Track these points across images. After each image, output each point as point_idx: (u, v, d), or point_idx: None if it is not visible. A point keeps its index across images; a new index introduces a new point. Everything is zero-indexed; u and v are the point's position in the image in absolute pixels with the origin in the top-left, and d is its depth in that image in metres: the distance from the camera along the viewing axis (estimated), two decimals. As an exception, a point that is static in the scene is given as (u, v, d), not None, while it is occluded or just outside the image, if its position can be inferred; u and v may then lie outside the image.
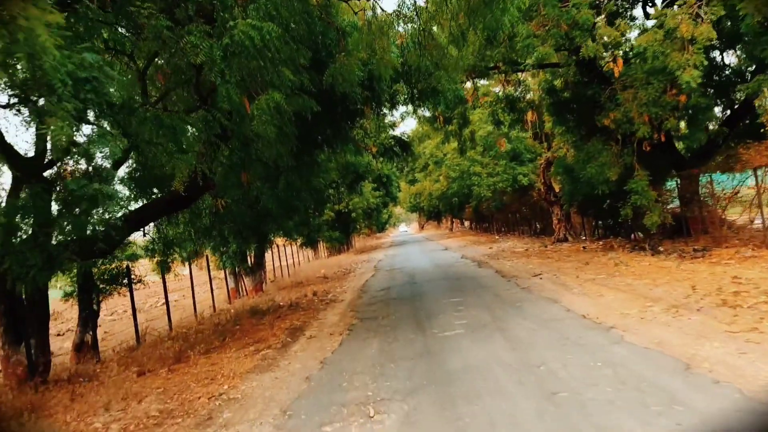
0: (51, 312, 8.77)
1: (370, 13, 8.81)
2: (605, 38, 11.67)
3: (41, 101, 5.62)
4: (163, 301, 22.33)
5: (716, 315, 6.78)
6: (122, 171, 10.36)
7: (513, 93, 19.36)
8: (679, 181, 16.17)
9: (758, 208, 13.28)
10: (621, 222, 19.81)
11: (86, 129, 7.40)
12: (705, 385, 4.55)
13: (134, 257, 11.72)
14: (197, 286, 18.45)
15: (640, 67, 12.26)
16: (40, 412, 6.06)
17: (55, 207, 7.69)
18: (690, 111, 13.13)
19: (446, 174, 32.66)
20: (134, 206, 9.66)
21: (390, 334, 8.39)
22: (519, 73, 18.00)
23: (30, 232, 7.37)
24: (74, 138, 6.50)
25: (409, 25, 8.94)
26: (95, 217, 7.46)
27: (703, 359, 5.20)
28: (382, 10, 8.96)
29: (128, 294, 11.12)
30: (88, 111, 5.58)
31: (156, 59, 8.04)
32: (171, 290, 22.27)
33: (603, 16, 11.90)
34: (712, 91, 14.41)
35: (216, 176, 9.66)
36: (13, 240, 7.14)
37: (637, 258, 13.20)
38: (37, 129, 7.27)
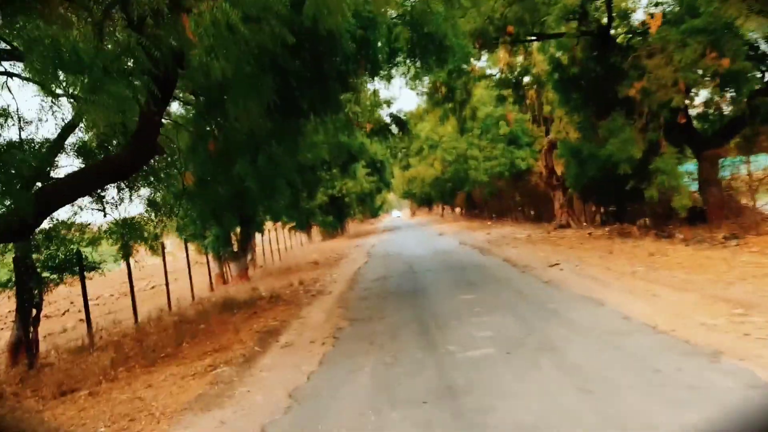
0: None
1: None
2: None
3: None
4: (140, 287, 20.95)
5: None
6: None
7: (518, 64, 17.95)
8: (698, 163, 14.84)
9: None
10: (628, 208, 18.64)
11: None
12: None
13: (93, 241, 10.24)
14: (181, 272, 16.92)
15: (676, 28, 10.73)
16: None
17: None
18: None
19: (442, 158, 31.42)
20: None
21: (388, 349, 6.41)
22: (527, 44, 16.62)
23: None
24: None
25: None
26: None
27: None
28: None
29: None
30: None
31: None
32: (153, 276, 20.69)
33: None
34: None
35: (179, 143, 8.02)
36: None
37: (667, 246, 11.70)
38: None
